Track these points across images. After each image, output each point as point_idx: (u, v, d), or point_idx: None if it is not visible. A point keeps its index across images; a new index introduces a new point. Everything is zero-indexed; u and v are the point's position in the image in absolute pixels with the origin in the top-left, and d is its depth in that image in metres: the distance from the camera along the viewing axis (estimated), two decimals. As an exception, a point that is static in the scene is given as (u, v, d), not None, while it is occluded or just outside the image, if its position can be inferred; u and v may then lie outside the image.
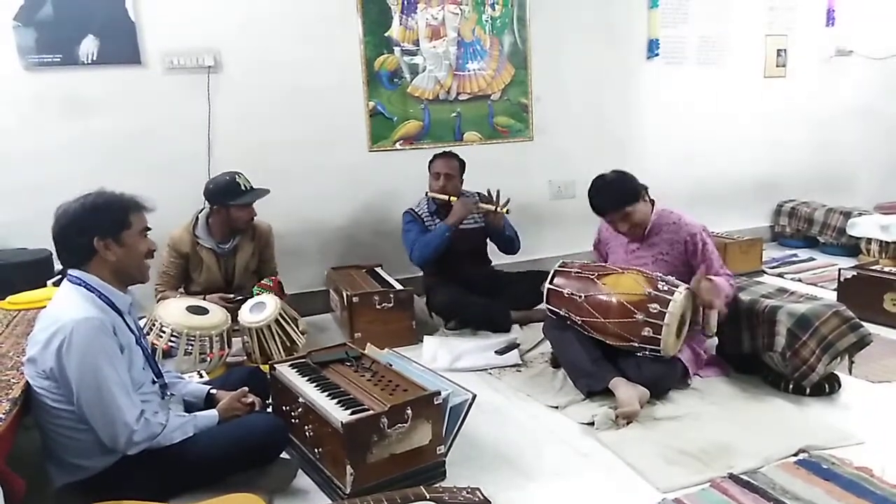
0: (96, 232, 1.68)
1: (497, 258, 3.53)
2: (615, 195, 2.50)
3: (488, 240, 3.42)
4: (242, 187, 2.87)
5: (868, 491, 1.77)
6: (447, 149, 3.46)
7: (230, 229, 2.97)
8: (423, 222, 3.27)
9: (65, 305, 1.66)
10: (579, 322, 2.43)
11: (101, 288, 1.70)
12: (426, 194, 3.33)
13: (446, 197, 3.22)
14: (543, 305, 2.58)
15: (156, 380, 1.85)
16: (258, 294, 2.87)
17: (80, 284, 1.69)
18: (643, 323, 2.28)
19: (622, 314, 2.32)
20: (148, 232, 1.81)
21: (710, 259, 2.51)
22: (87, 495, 1.66)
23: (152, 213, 1.83)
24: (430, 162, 3.33)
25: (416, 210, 3.32)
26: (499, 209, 3.15)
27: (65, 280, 1.73)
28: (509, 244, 3.35)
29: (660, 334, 2.26)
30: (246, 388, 1.98)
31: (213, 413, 1.87)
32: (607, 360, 2.42)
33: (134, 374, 1.74)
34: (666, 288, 2.32)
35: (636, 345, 2.32)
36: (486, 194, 3.26)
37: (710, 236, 2.57)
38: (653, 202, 2.60)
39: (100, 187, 1.78)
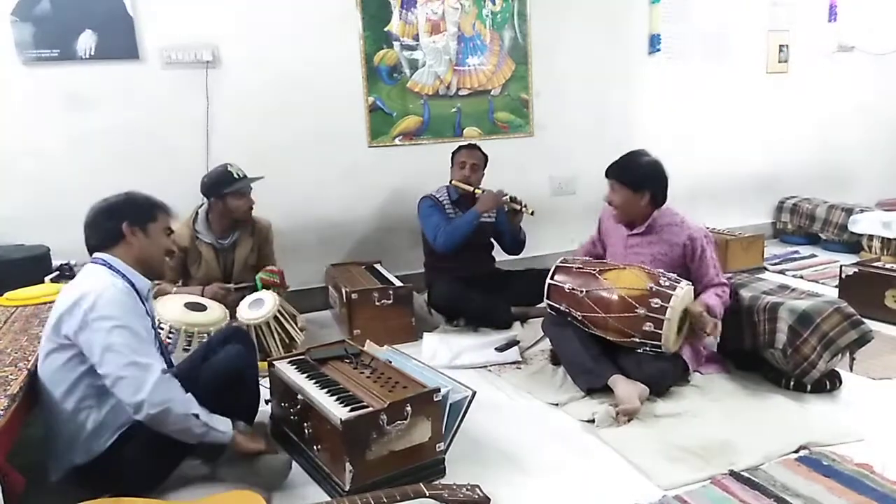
0: (126, 218, 1.83)
1: (498, 255, 3.52)
2: (621, 167, 2.53)
3: (492, 239, 3.42)
4: (235, 175, 2.87)
5: (868, 488, 1.76)
6: (472, 141, 3.45)
7: (230, 222, 2.96)
8: (444, 209, 3.27)
9: (91, 279, 1.76)
10: (580, 317, 2.42)
11: (123, 270, 1.80)
12: (449, 183, 3.32)
13: (471, 187, 3.22)
14: (544, 301, 2.57)
15: (166, 370, 1.86)
16: (261, 287, 2.85)
17: (103, 265, 1.79)
18: (644, 317, 2.27)
19: (623, 309, 2.31)
20: (171, 234, 1.95)
21: (707, 266, 2.49)
22: (85, 482, 1.70)
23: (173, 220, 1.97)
24: (454, 153, 3.33)
25: (437, 196, 3.30)
26: (525, 210, 3.13)
27: (88, 263, 1.82)
28: (518, 246, 3.39)
29: (661, 329, 2.25)
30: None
31: (229, 425, 1.83)
32: (607, 357, 2.42)
33: None
34: (668, 283, 2.31)
35: (637, 340, 2.31)
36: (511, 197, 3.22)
37: (711, 242, 2.55)
38: (660, 205, 2.55)
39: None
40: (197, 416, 1.73)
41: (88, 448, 1.74)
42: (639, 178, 2.50)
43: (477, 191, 3.20)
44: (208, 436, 1.77)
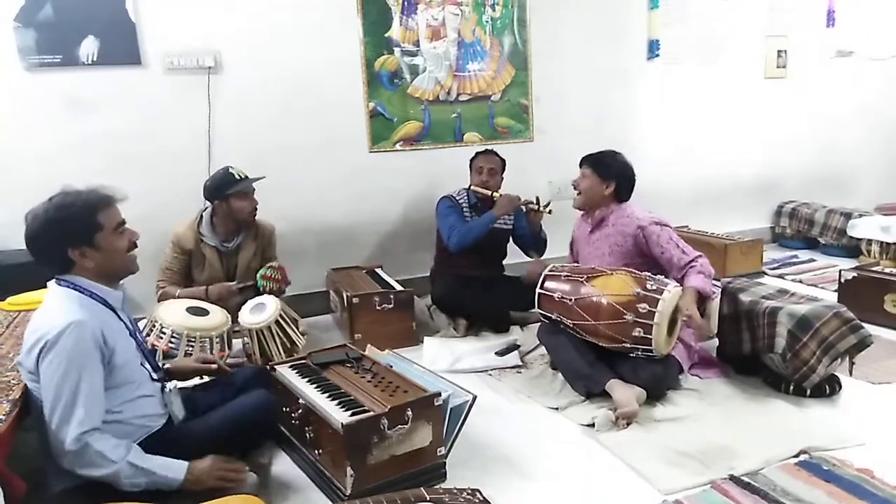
0: (67, 242, 1.64)
1: (506, 261, 3.53)
2: (595, 156, 2.74)
3: (512, 241, 3.46)
4: (236, 176, 2.88)
5: (869, 493, 1.77)
6: (489, 147, 3.52)
7: (234, 225, 2.97)
8: (462, 211, 3.31)
9: (52, 310, 1.64)
10: (571, 325, 2.43)
11: (90, 287, 1.68)
12: (468, 188, 3.35)
13: (489, 192, 3.25)
14: (535, 310, 2.58)
15: (154, 378, 1.86)
16: (262, 287, 2.86)
17: (68, 286, 1.67)
18: (633, 323, 2.28)
19: (612, 315, 2.32)
20: (123, 226, 1.74)
21: (669, 249, 2.54)
22: (86, 499, 1.66)
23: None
24: (472, 158, 3.38)
25: (456, 198, 3.34)
26: (542, 209, 3.17)
27: (53, 283, 1.70)
28: (541, 245, 3.41)
29: (650, 334, 2.26)
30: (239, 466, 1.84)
31: (180, 469, 1.69)
32: (603, 362, 2.42)
33: (129, 370, 1.74)
34: (655, 287, 2.31)
35: (628, 345, 2.32)
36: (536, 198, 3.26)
37: (665, 227, 2.60)
38: (621, 201, 2.71)
39: (63, 186, 1.70)
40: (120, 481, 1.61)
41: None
42: (608, 168, 2.68)
43: (495, 195, 3.24)
44: (151, 485, 1.65)
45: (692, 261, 2.51)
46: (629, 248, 2.63)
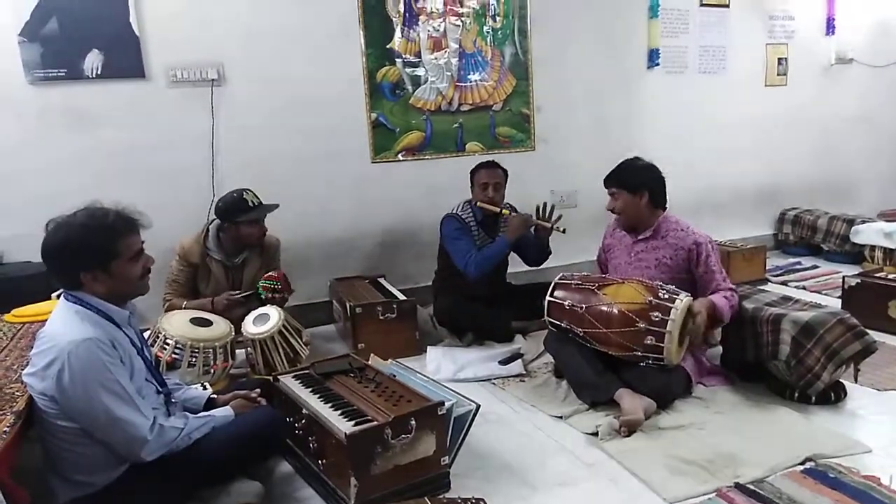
0: (81, 266, 1.63)
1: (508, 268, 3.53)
2: (616, 172, 2.63)
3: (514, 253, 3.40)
4: (250, 203, 2.87)
5: (875, 500, 1.76)
6: (489, 158, 3.45)
7: (242, 245, 2.98)
8: (471, 231, 3.21)
9: (60, 327, 1.63)
10: (581, 333, 2.43)
11: (98, 305, 1.68)
12: (473, 203, 3.25)
13: (497, 208, 3.17)
14: (545, 318, 2.57)
15: (160, 390, 1.85)
16: (263, 294, 2.86)
17: (75, 302, 1.67)
18: (645, 331, 2.28)
19: (624, 323, 2.31)
20: (141, 254, 1.73)
21: (713, 272, 2.51)
22: None
23: (152, 227, 1.78)
24: (474, 172, 3.27)
25: (462, 217, 3.22)
26: (554, 227, 3.10)
27: (61, 297, 1.71)
28: (544, 258, 3.36)
29: (662, 342, 2.25)
30: (259, 390, 2.07)
31: (228, 409, 1.90)
32: (610, 371, 2.41)
33: (136, 386, 1.73)
34: (667, 296, 2.31)
35: (639, 354, 2.31)
36: (538, 208, 3.20)
37: (715, 250, 2.57)
38: (663, 208, 2.63)
39: (91, 201, 1.71)
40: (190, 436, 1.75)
41: (97, 477, 1.69)
42: (634, 180, 2.58)
43: (504, 211, 3.16)
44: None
45: (727, 290, 2.49)
46: (679, 263, 2.54)
